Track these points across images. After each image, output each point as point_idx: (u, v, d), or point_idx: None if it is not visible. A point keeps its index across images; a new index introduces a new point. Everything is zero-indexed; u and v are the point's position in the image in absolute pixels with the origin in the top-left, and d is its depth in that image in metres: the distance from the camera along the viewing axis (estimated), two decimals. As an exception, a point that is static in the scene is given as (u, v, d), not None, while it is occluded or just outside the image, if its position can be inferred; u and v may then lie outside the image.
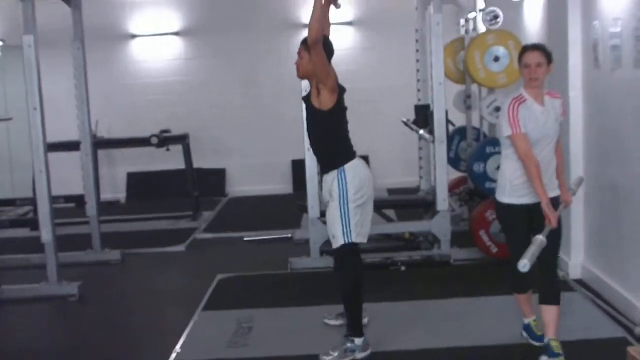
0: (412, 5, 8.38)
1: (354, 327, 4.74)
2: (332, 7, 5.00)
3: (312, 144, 4.99)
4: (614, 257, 5.53)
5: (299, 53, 4.76)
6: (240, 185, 11.43)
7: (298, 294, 6.13)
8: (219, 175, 11.43)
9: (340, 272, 4.83)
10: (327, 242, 6.69)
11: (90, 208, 7.54)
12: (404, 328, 5.17)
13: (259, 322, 5.41)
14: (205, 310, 5.80)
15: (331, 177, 4.75)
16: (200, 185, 9.96)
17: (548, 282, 4.43)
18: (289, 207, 9.51)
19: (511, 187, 4.41)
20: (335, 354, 4.64)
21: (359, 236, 4.76)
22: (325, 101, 4.67)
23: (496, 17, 6.81)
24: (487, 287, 5.98)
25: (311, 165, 6.82)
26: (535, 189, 4.25)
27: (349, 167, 4.72)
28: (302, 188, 10.45)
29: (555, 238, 4.36)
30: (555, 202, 4.36)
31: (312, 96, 4.74)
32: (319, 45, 4.50)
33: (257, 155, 11.34)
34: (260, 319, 5.48)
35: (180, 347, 5.00)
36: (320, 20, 4.45)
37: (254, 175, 11.37)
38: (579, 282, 6.00)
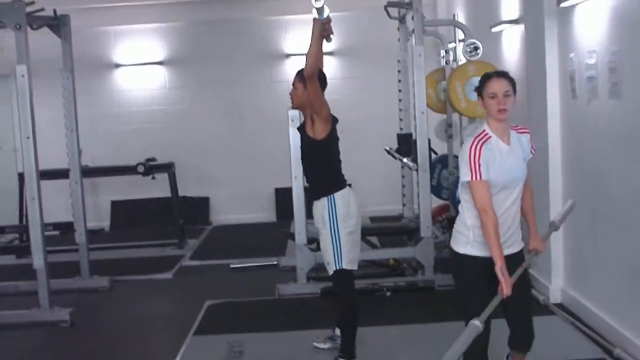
0: (394, 36, 8.60)
1: (348, 350, 4.89)
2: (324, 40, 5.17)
3: (305, 172, 5.20)
4: (593, 281, 5.70)
5: (294, 84, 4.96)
6: (224, 213, 11.53)
7: (287, 319, 6.26)
8: (203, 204, 11.53)
9: (336, 297, 5.00)
10: (314, 269, 6.91)
11: (80, 235, 7.63)
12: (391, 351, 5.31)
13: (250, 346, 5.53)
14: (196, 335, 5.91)
15: (321, 204, 4.93)
16: (185, 214, 10.07)
17: (523, 343, 4.07)
18: (273, 235, 9.65)
19: (474, 236, 3.83)
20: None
21: (349, 263, 4.93)
22: (319, 131, 4.86)
23: (476, 48, 7.03)
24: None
25: (298, 193, 6.95)
26: (490, 248, 3.69)
27: (339, 195, 4.91)
28: (285, 216, 10.68)
29: (525, 294, 4.01)
30: (517, 257, 3.91)
31: (307, 126, 4.93)
32: (315, 78, 4.70)
33: (241, 184, 11.45)
34: (251, 343, 5.60)
35: (174, 372, 5.12)
36: (318, 55, 4.66)
37: (237, 204, 11.46)
38: (559, 305, 6.16)
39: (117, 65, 11.48)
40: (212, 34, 11.39)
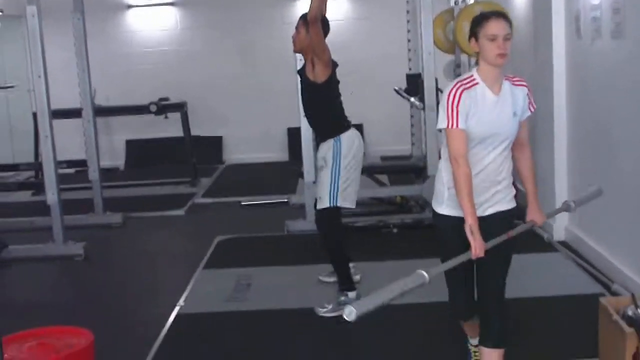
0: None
1: (345, 282, 5.04)
2: None
3: (307, 116, 5.28)
4: (597, 219, 5.79)
5: (297, 28, 5.01)
6: (237, 153, 11.69)
7: (294, 254, 6.42)
8: (216, 143, 11.68)
9: (322, 234, 5.12)
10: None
11: (93, 172, 7.81)
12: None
13: (257, 279, 5.71)
14: (205, 269, 6.09)
15: (327, 145, 5.03)
16: (198, 153, 10.20)
17: (488, 319, 3.51)
18: (285, 174, 9.82)
19: (450, 194, 3.42)
20: (330, 306, 4.94)
21: (345, 201, 5.03)
22: (320, 74, 4.94)
23: (485, -12, 7.04)
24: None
25: (306, 132, 7.06)
26: (460, 203, 3.31)
27: (345, 136, 5.00)
28: (297, 155, 10.72)
29: (498, 263, 3.46)
30: (503, 217, 3.45)
31: (307, 69, 5.01)
32: (318, 23, 4.77)
33: (254, 124, 11.55)
34: (258, 276, 5.78)
35: (184, 302, 5.29)
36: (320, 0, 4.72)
37: (250, 143, 11.60)
38: (563, 243, 6.27)
39: (129, 6, 11.53)
40: (224, -26, 11.38)
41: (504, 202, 3.47)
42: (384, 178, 8.56)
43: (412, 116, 8.58)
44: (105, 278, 6.20)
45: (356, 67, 10.55)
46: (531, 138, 6.51)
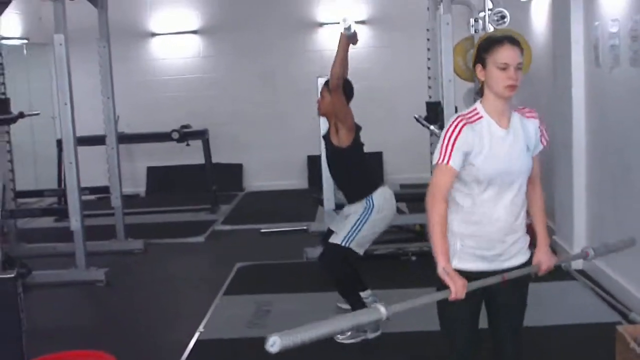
0: (423, 5, 8.69)
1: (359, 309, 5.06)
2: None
3: (333, 178, 5.40)
4: (615, 247, 5.79)
5: (321, 93, 5.19)
6: (257, 180, 11.76)
7: (313, 280, 6.43)
8: (236, 170, 11.77)
9: (327, 268, 5.17)
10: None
11: (115, 199, 7.90)
12: (414, 312, 5.43)
13: (277, 305, 5.76)
14: (226, 295, 6.16)
15: (360, 203, 5.11)
16: (218, 180, 10.28)
17: (502, 347, 3.29)
18: (304, 201, 9.86)
19: (462, 246, 3.07)
20: (349, 333, 4.97)
21: (358, 246, 5.09)
22: (344, 139, 5.06)
23: (503, 17, 7.08)
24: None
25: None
26: (433, 242, 3.05)
27: (377, 194, 5.09)
28: (317, 183, 10.78)
29: (514, 308, 3.25)
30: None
31: (331, 134, 5.15)
32: (340, 89, 4.91)
33: (274, 151, 11.63)
34: (278, 303, 5.83)
35: (204, 327, 5.35)
36: (342, 64, 4.85)
37: (270, 171, 11.68)
38: (581, 272, 6.26)
39: (153, 34, 11.70)
40: (246, 3, 11.52)
41: (522, 254, 3.15)
42: (402, 206, 8.57)
43: (431, 144, 8.60)
44: (127, 303, 6.27)
45: (376, 95, 10.68)
46: (549, 167, 6.60)
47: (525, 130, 3.08)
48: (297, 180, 11.67)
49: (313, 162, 11.42)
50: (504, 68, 2.94)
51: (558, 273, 5.97)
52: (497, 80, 2.96)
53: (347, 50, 4.89)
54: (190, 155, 10.68)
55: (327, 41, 11.40)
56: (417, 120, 8.08)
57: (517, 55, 2.97)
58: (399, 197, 8.56)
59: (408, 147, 10.93)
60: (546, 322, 4.98)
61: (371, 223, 5.06)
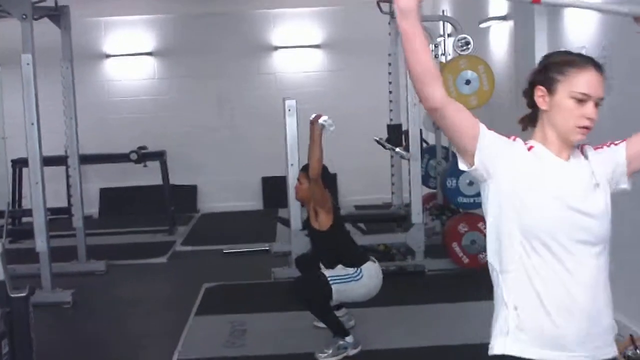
0: (379, 31, 8.88)
1: (338, 331, 5.13)
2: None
3: (321, 261, 5.41)
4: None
5: (298, 179, 5.39)
6: (211, 201, 11.71)
7: (285, 300, 6.43)
8: (190, 192, 11.72)
9: (300, 296, 5.20)
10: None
11: (77, 220, 7.81)
12: (387, 330, 5.56)
13: (252, 325, 5.76)
14: (198, 316, 6.11)
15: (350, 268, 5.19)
16: (172, 201, 10.21)
17: None
18: (262, 222, 9.92)
19: (521, 319, 2.18)
20: (330, 351, 5.01)
21: (336, 293, 5.10)
22: (324, 222, 5.22)
23: (467, 43, 7.27)
24: (461, 294, 6.40)
25: (294, 179, 7.13)
26: None
27: (366, 268, 5.17)
28: (272, 204, 10.91)
29: None
30: None
31: (311, 219, 5.29)
32: (319, 178, 5.11)
33: (228, 173, 11.61)
34: (252, 322, 5.83)
35: (182, 347, 5.32)
36: (321, 159, 5.10)
37: (225, 192, 11.64)
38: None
39: (107, 56, 11.61)
40: (201, 26, 11.56)
41: (607, 346, 2.25)
42: (360, 226, 8.68)
43: (392, 165, 8.76)
44: (97, 325, 6.18)
45: (332, 118, 10.75)
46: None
47: (594, 162, 2.31)
48: (252, 202, 11.67)
49: (268, 183, 11.49)
50: (582, 100, 2.20)
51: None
52: (568, 115, 2.22)
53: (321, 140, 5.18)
54: (145, 176, 10.58)
55: (282, 64, 11.55)
56: (378, 142, 8.21)
57: (601, 86, 2.22)
58: (361, 218, 8.75)
59: (362, 170, 11.04)
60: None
61: (354, 285, 5.10)
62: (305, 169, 5.29)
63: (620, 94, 5.01)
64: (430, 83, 2.14)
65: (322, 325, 5.56)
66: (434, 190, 8.61)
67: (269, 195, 11.48)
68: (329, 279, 5.06)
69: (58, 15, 7.58)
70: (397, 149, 7.64)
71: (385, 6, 8.24)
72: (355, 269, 5.12)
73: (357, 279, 5.09)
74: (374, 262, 5.26)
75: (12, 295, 3.96)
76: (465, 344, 5.08)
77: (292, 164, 7.05)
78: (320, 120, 5.27)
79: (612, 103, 5.00)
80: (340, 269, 5.13)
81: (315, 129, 5.24)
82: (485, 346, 2.29)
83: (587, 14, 5.50)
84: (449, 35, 8.20)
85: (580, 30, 5.69)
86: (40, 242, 6.57)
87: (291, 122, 6.96)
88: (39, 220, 6.58)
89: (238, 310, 6.20)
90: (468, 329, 5.38)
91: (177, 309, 6.35)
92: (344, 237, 5.42)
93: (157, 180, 10.09)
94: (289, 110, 6.97)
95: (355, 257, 5.24)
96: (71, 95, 7.74)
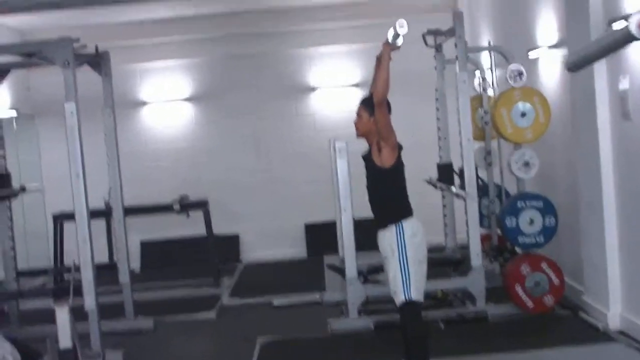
0: (422, 63, 8.63)
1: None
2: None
3: (371, 200, 5.11)
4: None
5: (358, 113, 4.97)
6: (253, 250, 11.38)
7: (348, 354, 6.17)
8: (232, 241, 11.40)
9: (404, 330, 4.90)
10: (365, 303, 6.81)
11: (124, 275, 7.56)
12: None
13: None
14: (259, 374, 5.81)
15: (389, 232, 4.88)
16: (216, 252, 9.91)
17: None
18: (307, 271, 9.65)
19: None
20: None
21: (417, 293, 4.85)
22: (387, 158, 4.87)
23: (521, 74, 6.98)
24: (527, 341, 6.09)
25: (348, 225, 6.84)
26: None
27: (408, 224, 4.87)
28: (316, 252, 10.57)
29: None
30: None
31: (373, 154, 4.93)
32: (384, 104, 4.69)
33: (270, 220, 11.31)
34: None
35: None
36: (388, 81, 4.65)
37: (267, 240, 11.30)
38: (621, 333, 6.06)
39: (144, 103, 11.46)
40: (238, 68, 11.38)
41: None
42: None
43: (444, 206, 8.42)
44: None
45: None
46: (576, 228, 6.44)
47: None
48: (295, 249, 11.30)
49: (311, 231, 11.17)
50: None
51: (595, 335, 5.81)
52: None
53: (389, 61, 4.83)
54: (186, 227, 10.30)
55: (319, 105, 11.32)
56: (429, 182, 7.92)
57: None
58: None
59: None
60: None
61: (411, 246, 4.83)
62: (364, 102, 5.00)
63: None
64: None
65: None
66: (487, 231, 8.23)
67: (313, 243, 11.14)
68: (404, 294, 4.80)
69: (98, 62, 7.42)
70: (454, 189, 7.33)
71: (430, 39, 7.95)
72: (395, 226, 4.87)
73: (403, 236, 4.86)
74: (414, 217, 5.01)
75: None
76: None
77: (345, 209, 6.76)
78: (398, 28, 4.89)
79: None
80: (392, 261, 4.86)
81: (387, 51, 4.95)
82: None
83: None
84: (497, 67, 7.94)
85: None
86: (90, 301, 6.29)
87: (342, 165, 6.69)
88: (88, 278, 6.30)
89: (301, 366, 5.89)
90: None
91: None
92: (402, 182, 5.07)
93: (197, 229, 9.80)
94: (340, 152, 6.70)
95: (404, 206, 4.99)
96: (114, 144, 7.57)
